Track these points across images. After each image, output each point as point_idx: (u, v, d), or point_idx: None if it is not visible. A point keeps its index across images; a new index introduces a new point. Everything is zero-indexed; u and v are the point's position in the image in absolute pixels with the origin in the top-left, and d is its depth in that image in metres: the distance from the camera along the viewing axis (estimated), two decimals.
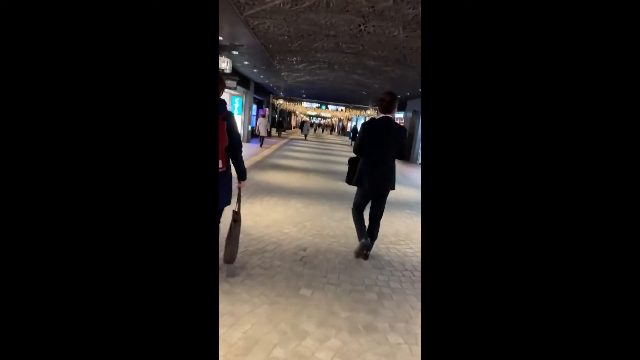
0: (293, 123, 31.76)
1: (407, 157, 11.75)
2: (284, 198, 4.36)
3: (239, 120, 11.37)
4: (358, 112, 19.85)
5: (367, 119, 2.64)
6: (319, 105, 20.43)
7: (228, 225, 2.18)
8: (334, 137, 26.78)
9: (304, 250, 2.69)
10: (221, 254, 2.15)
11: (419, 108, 11.00)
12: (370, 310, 1.92)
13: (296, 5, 4.24)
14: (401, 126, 2.57)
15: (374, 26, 4.82)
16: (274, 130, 17.35)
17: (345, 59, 7.30)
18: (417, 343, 1.65)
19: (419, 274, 2.47)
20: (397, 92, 10.26)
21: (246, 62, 8.28)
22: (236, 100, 11.39)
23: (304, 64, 8.42)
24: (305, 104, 20.47)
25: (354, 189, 2.76)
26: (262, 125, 11.28)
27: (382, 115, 2.50)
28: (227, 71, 7.40)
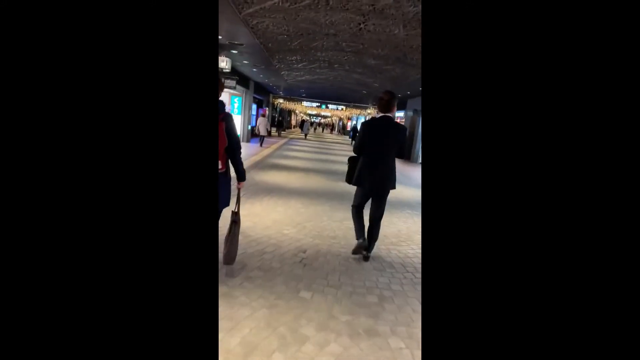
0: (293, 122, 31.73)
1: (407, 157, 11.71)
2: (284, 198, 4.33)
3: (238, 119, 11.38)
4: (358, 111, 19.81)
5: (367, 118, 2.60)
6: (319, 104, 20.38)
7: (227, 226, 2.16)
8: (334, 136, 26.74)
9: (304, 251, 2.66)
10: (220, 255, 2.12)
11: (419, 107, 10.95)
12: (371, 313, 1.88)
13: (295, 3, 4.20)
14: (401, 125, 2.55)
15: (374, 24, 4.77)
16: (273, 130, 17.33)
17: (345, 58, 7.26)
18: (419, 347, 1.62)
19: (420, 276, 2.44)
20: (398, 91, 10.23)
21: (245, 62, 8.24)
22: (236, 99, 11.35)
23: (303, 63, 8.38)
24: (305, 103, 20.42)
25: (354, 188, 2.74)
26: (262, 124, 11.25)
27: (382, 114, 2.48)
28: (227, 70, 7.37)
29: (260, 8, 4.35)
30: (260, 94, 15.25)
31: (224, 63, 7.11)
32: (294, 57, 7.67)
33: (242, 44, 6.30)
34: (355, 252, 2.64)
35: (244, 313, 1.75)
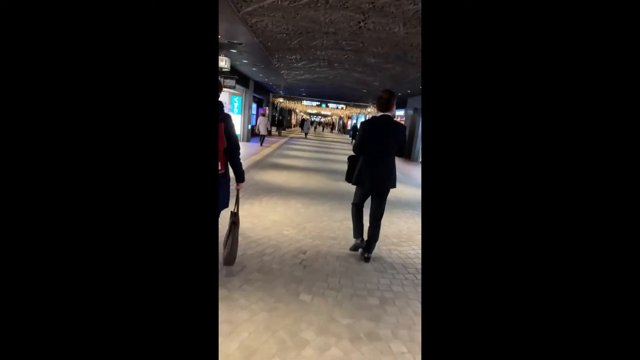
0: (293, 121, 31.68)
1: (408, 155, 11.68)
2: (284, 198, 4.30)
3: (238, 119, 11.34)
4: (358, 110, 19.76)
5: (367, 117, 2.58)
6: (319, 103, 20.33)
7: (226, 228, 2.13)
8: (334, 136, 26.70)
9: (304, 253, 2.63)
10: (220, 256, 2.09)
11: (419, 105, 10.90)
12: (372, 316, 1.85)
13: (294, 2, 4.16)
14: (401, 124, 2.54)
15: (373, 23, 4.73)
16: (274, 129, 17.30)
17: (345, 57, 7.22)
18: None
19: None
20: (398, 90, 10.19)
21: (245, 61, 8.20)
22: (235, 99, 11.32)
23: (303, 62, 8.34)
24: (305, 103, 20.37)
25: (354, 188, 2.72)
26: (262, 124, 11.22)
27: (381, 113, 2.46)
28: (226, 70, 7.33)
29: (259, 6, 4.31)
30: (260, 93, 15.21)
31: (223, 62, 7.07)
32: (293, 56, 7.63)
33: (241, 43, 6.26)
34: (352, 249, 2.71)
35: (243, 316, 1.72)
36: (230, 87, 8.56)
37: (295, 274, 2.26)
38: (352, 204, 2.70)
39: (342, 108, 20.68)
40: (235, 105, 11.37)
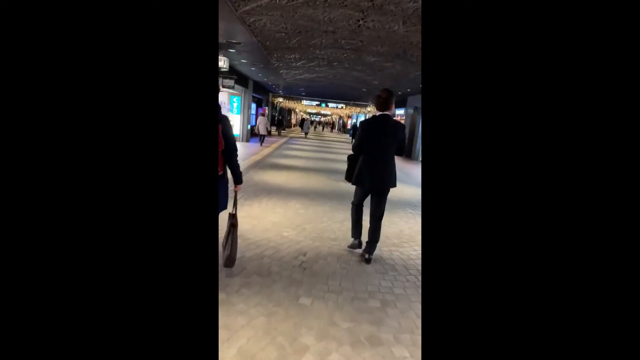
0: (293, 121, 31.63)
1: (407, 154, 11.63)
2: (284, 199, 4.26)
3: (238, 119, 11.30)
4: (358, 109, 19.71)
5: (367, 117, 2.57)
6: (319, 103, 20.27)
7: (224, 229, 2.10)
8: (334, 135, 26.65)
9: (304, 254, 2.59)
10: (219, 259, 2.06)
11: (419, 104, 10.85)
12: (374, 319, 1.81)
13: (293, 0, 4.12)
14: (400, 123, 2.52)
15: (373, 21, 4.69)
16: (273, 129, 17.26)
17: (345, 56, 7.17)
18: None
19: None
20: (398, 88, 10.14)
21: (244, 60, 8.15)
22: (235, 99, 11.28)
23: (302, 61, 8.29)
24: (304, 102, 20.32)
25: (354, 188, 2.70)
26: (261, 124, 11.18)
27: (380, 113, 2.45)
28: (225, 69, 7.29)
29: (257, 5, 4.27)
30: (260, 93, 15.16)
31: (221, 62, 7.03)
32: (292, 55, 7.59)
33: (239, 43, 6.22)
34: (349, 247, 2.76)
35: (241, 322, 1.68)
36: (229, 87, 8.51)
37: (295, 276, 2.22)
38: (352, 203, 2.70)
39: (342, 107, 20.62)
40: (235, 105, 11.33)
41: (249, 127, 12.14)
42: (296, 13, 4.57)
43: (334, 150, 12.71)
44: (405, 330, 1.74)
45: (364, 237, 2.65)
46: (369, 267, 2.48)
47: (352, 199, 2.70)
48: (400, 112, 13.31)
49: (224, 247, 2.12)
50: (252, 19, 4.86)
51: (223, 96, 10.28)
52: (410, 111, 11.93)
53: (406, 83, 9.19)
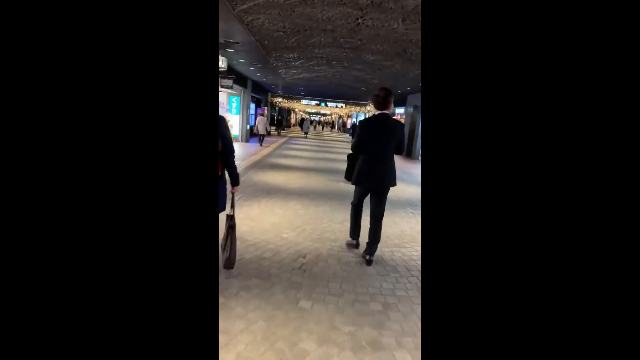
0: (293, 121, 31.58)
1: (408, 153, 11.58)
2: (283, 199, 4.22)
3: (236, 119, 11.25)
4: (358, 108, 19.66)
5: (367, 116, 2.55)
6: (318, 102, 20.22)
7: (222, 231, 2.07)
8: (334, 134, 26.59)
9: (304, 256, 2.55)
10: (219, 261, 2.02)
11: (419, 103, 10.80)
12: (375, 323, 1.77)
13: None
14: (399, 122, 2.51)
15: (372, 19, 4.64)
16: (273, 129, 17.22)
17: (344, 54, 7.12)
18: None
19: None
20: (398, 87, 10.09)
21: (242, 60, 8.10)
22: (233, 99, 11.23)
23: (301, 61, 8.25)
24: (304, 102, 20.27)
25: (354, 188, 2.67)
26: (261, 123, 11.14)
27: (379, 112, 2.43)
28: (223, 69, 7.24)
29: (255, 4, 4.22)
30: (259, 93, 15.11)
31: (220, 62, 6.99)
32: (291, 55, 7.54)
33: (237, 42, 6.17)
34: (347, 244, 2.80)
35: (239, 326, 1.64)
36: (227, 87, 8.47)
37: (295, 279, 2.18)
38: (352, 204, 2.68)
39: (342, 107, 20.57)
40: (234, 105, 11.28)
41: (248, 127, 12.09)
42: (294, 11, 4.53)
43: (334, 149, 12.66)
44: (408, 334, 1.70)
45: (364, 238, 2.61)
46: (370, 269, 2.44)
47: (352, 199, 2.68)
48: (400, 111, 13.25)
49: (223, 249, 2.11)
50: (249, 18, 4.81)
51: (222, 96, 10.23)
52: (410, 110, 11.88)
53: (406, 82, 9.14)
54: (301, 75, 10.92)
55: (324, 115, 38.75)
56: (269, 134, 13.25)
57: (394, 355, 1.53)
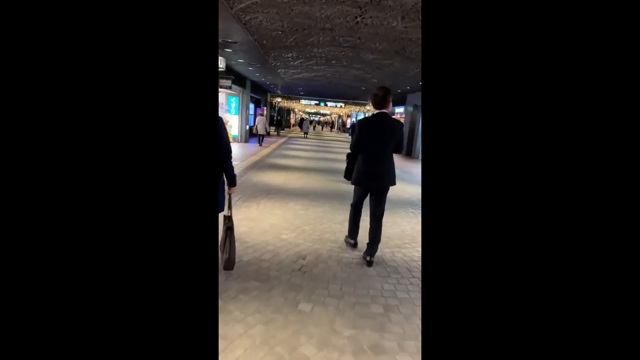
0: (292, 121, 31.53)
1: (407, 153, 11.55)
2: (283, 200, 4.19)
3: (236, 120, 11.21)
4: (357, 108, 19.62)
5: (367, 115, 2.54)
6: (318, 102, 20.17)
7: (220, 232, 2.03)
8: (334, 134, 26.55)
9: (303, 258, 2.51)
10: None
11: (419, 102, 10.76)
12: (377, 326, 1.74)
13: None
14: (398, 121, 2.49)
15: (371, 17, 4.60)
16: (272, 129, 17.17)
17: (343, 53, 7.08)
18: None
19: None
20: (397, 86, 10.05)
21: (241, 60, 8.06)
22: (232, 100, 11.19)
23: (300, 60, 8.21)
24: (303, 102, 20.22)
25: (353, 188, 2.64)
26: (260, 123, 11.10)
27: (377, 111, 2.42)
28: (221, 69, 7.20)
29: (253, 3, 4.18)
30: (258, 93, 15.07)
31: (218, 62, 6.95)
32: (290, 54, 7.50)
33: (235, 42, 6.13)
34: (345, 241, 2.83)
35: (238, 330, 1.60)
36: (226, 87, 8.43)
37: (294, 281, 2.14)
38: (352, 205, 2.67)
39: (341, 106, 20.52)
40: (233, 105, 11.24)
41: (247, 127, 12.05)
42: (292, 10, 4.49)
43: (334, 149, 12.62)
44: (410, 337, 1.66)
45: (364, 239, 2.58)
46: (370, 270, 2.40)
47: (352, 200, 2.66)
48: (399, 110, 13.21)
49: (222, 251, 2.09)
50: (247, 17, 4.77)
51: (221, 97, 10.20)
52: (410, 109, 11.84)
53: (405, 80, 9.10)
54: (300, 75, 10.88)
55: (324, 115, 38.70)
56: (268, 134, 13.21)
57: (396, 359, 1.50)
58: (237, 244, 2.34)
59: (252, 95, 13.36)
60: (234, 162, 1.95)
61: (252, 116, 13.36)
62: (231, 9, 4.32)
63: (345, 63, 8.12)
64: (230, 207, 2.11)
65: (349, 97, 17.71)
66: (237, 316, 1.71)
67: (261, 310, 1.78)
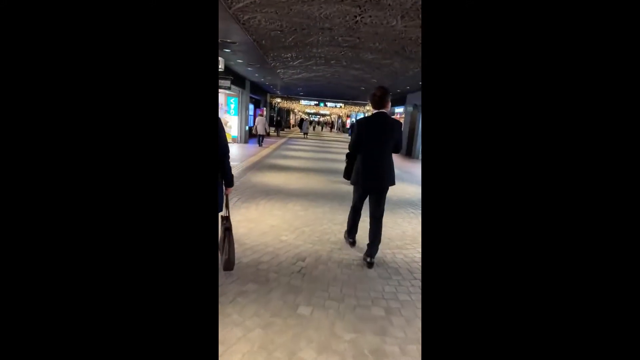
0: (292, 122, 31.50)
1: (407, 152, 11.51)
2: (282, 201, 4.15)
3: (235, 120, 11.18)
4: (357, 108, 19.59)
5: (366, 115, 2.51)
6: (317, 102, 20.14)
7: (219, 233, 2.00)
8: (333, 135, 26.52)
9: (303, 260, 2.48)
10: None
11: (419, 102, 10.73)
12: (378, 329, 1.70)
13: None
14: (397, 121, 2.47)
15: (370, 16, 4.57)
16: (272, 130, 17.14)
17: (342, 53, 7.05)
18: None
19: None
20: (397, 86, 10.02)
21: (239, 60, 8.03)
22: (232, 100, 11.16)
23: (299, 60, 8.18)
24: (303, 102, 20.19)
25: (353, 188, 2.62)
26: (260, 124, 11.07)
27: (376, 111, 2.40)
28: (220, 70, 7.17)
29: (251, 2, 4.15)
30: (257, 94, 15.04)
31: None
32: (289, 54, 7.47)
33: (234, 42, 6.10)
34: (344, 237, 2.84)
35: (236, 334, 1.57)
36: (225, 88, 8.40)
37: (294, 283, 2.11)
38: (352, 207, 2.66)
39: (341, 107, 20.49)
40: (232, 106, 11.21)
41: (247, 128, 12.02)
42: (291, 10, 4.46)
43: (334, 150, 12.59)
44: (412, 341, 1.63)
45: (364, 240, 2.54)
46: (371, 272, 2.37)
47: (352, 202, 2.64)
48: (399, 110, 13.18)
49: (221, 252, 2.06)
50: (246, 17, 4.74)
51: (220, 97, 10.17)
52: (410, 109, 11.80)
53: (405, 80, 9.07)
54: (300, 75, 10.86)
55: (323, 115, 38.67)
56: (268, 134, 13.17)
57: None
58: (235, 246, 2.31)
59: (252, 95, 13.33)
60: (233, 163, 1.93)
61: (252, 117, 13.33)
62: (229, 8, 4.29)
63: (344, 63, 8.09)
64: (227, 208, 2.08)
65: (349, 97, 17.68)
66: (235, 320, 1.68)
67: (260, 314, 1.75)
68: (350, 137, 2.85)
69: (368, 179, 2.43)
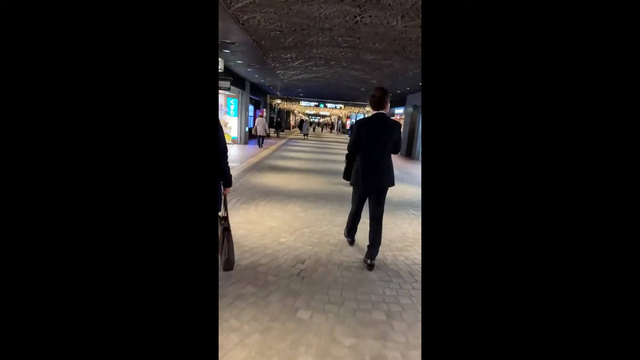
0: (292, 123, 31.49)
1: (407, 153, 11.48)
2: (282, 202, 4.11)
3: (235, 121, 11.15)
4: (357, 109, 19.57)
5: (366, 116, 2.48)
6: (317, 103, 20.12)
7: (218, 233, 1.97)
8: (333, 136, 26.50)
9: (302, 262, 2.44)
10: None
11: (419, 102, 10.70)
12: (379, 334, 1.66)
13: None
14: (396, 122, 2.45)
15: (370, 17, 4.54)
16: (272, 131, 17.11)
17: (342, 54, 7.03)
18: None
19: None
20: (397, 86, 10.00)
21: (239, 61, 8.00)
22: (231, 101, 11.13)
23: (299, 61, 8.15)
24: (303, 103, 20.17)
25: (352, 189, 2.59)
26: (260, 125, 11.04)
27: (375, 112, 2.38)
28: (220, 71, 7.15)
29: (250, 2, 4.13)
30: (257, 95, 15.02)
31: None
32: (288, 55, 7.44)
33: (234, 43, 6.08)
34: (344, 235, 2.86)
35: (233, 339, 1.53)
36: (224, 89, 8.37)
37: (293, 286, 2.07)
38: (352, 210, 2.64)
39: (341, 108, 20.47)
40: (232, 107, 11.18)
41: (246, 129, 11.99)
42: (290, 10, 4.43)
43: (334, 150, 12.56)
44: (414, 346, 1.59)
45: (364, 241, 2.51)
46: (372, 274, 2.33)
47: (351, 203, 2.62)
48: (399, 111, 13.15)
49: (220, 252, 2.03)
50: (245, 17, 4.72)
51: (220, 98, 10.15)
52: (410, 110, 11.77)
53: (405, 80, 9.05)
54: (299, 76, 10.83)
55: (323, 116, 38.67)
56: (268, 135, 13.14)
57: None
58: (234, 247, 2.28)
59: (252, 96, 13.31)
60: (233, 164, 1.90)
61: (252, 118, 13.30)
62: (229, 8, 4.26)
63: (344, 64, 8.06)
64: (226, 208, 2.06)
65: (349, 98, 17.66)
66: (233, 324, 1.64)
67: (258, 318, 1.71)
68: (350, 137, 2.82)
69: (367, 179, 2.41)
